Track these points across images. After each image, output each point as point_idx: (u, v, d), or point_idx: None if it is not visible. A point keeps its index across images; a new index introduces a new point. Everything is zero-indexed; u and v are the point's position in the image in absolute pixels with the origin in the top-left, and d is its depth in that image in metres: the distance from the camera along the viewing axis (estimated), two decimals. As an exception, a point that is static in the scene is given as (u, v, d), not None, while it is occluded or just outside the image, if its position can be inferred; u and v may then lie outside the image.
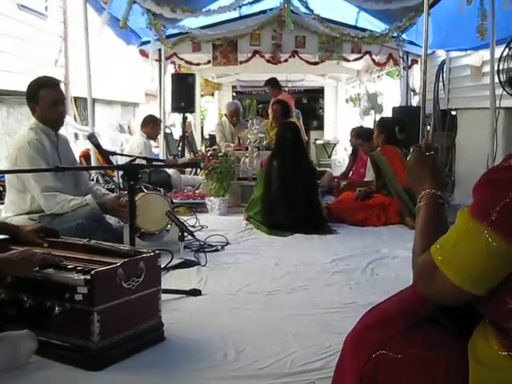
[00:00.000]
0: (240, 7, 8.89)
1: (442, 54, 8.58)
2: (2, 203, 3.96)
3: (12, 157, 4.14)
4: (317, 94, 16.56)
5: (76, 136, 10.22)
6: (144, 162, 4.47)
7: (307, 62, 10.14)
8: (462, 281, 1.46)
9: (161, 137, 9.38)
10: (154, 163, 5.27)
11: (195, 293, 3.45)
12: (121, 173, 6.42)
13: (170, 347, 2.63)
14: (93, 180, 5.69)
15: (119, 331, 2.46)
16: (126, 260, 2.50)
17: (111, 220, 4.42)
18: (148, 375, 2.35)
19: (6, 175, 4.27)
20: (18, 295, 2.53)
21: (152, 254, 2.64)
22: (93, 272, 2.33)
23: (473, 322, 1.74)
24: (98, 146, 4.46)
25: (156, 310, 2.67)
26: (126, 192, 4.70)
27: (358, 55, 9.96)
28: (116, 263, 2.47)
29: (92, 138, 4.52)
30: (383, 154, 6.17)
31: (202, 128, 14.91)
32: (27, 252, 2.54)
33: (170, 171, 7.33)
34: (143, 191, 4.39)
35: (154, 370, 2.40)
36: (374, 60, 10.06)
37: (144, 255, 2.60)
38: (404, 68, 9.77)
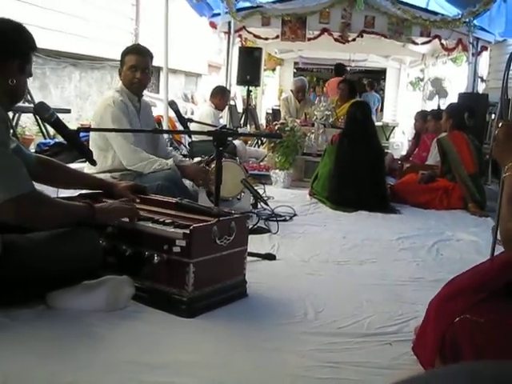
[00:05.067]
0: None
1: (513, 43, 8.54)
2: (85, 161, 4.18)
3: (97, 116, 4.35)
4: (378, 75, 16.51)
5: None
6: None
7: (377, 34, 10.02)
8: None
9: (226, 108, 9.56)
10: (239, 132, 5.48)
11: (270, 257, 3.65)
12: (195, 139, 6.64)
13: (252, 303, 2.83)
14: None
15: (209, 284, 2.66)
16: (220, 219, 2.69)
17: (186, 183, 4.64)
18: (235, 325, 2.55)
19: (91, 134, 4.49)
20: (117, 244, 2.76)
21: (242, 215, 2.83)
22: (191, 227, 2.53)
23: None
24: (177, 112, 4.65)
25: (241, 268, 2.87)
26: (199, 158, 4.93)
27: (427, 39, 9.92)
28: (210, 221, 2.67)
29: (173, 104, 4.70)
30: (451, 139, 6.21)
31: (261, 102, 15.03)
32: (115, 204, 2.78)
33: (237, 142, 7.52)
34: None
35: (240, 321, 2.60)
36: (442, 44, 10.01)
37: (235, 216, 2.80)
38: (473, 54, 9.70)
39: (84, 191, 3.25)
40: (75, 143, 2.87)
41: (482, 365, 0.70)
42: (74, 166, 4.58)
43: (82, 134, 3.10)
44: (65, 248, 2.53)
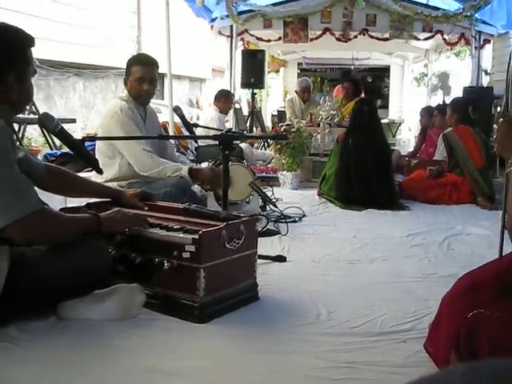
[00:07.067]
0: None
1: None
2: (91, 170, 4.18)
3: (104, 124, 4.35)
4: (382, 72, 16.44)
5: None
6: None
7: (377, 38, 10.08)
8: None
9: (231, 112, 9.56)
10: (245, 134, 5.51)
11: (281, 259, 3.63)
12: (202, 143, 6.62)
13: (264, 306, 2.81)
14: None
15: (221, 288, 2.65)
16: (229, 222, 2.68)
17: (194, 188, 4.63)
18: (248, 329, 2.54)
19: (97, 143, 4.49)
20: (127, 252, 2.75)
21: (251, 218, 2.83)
22: (200, 232, 2.52)
23: None
24: (183, 117, 4.64)
25: (252, 271, 2.86)
26: (206, 163, 4.92)
27: (429, 34, 9.90)
28: (218, 225, 2.66)
29: (178, 110, 4.70)
30: (456, 133, 6.20)
31: (266, 104, 15.00)
32: (121, 212, 2.77)
33: (243, 145, 7.52)
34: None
35: (252, 324, 2.58)
36: (445, 39, 9.99)
37: (244, 219, 2.79)
38: (476, 48, 9.67)
39: (92, 200, 3.25)
40: (81, 153, 2.87)
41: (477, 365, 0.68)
42: (80, 175, 4.59)
43: (87, 144, 3.11)
44: (74, 258, 2.52)
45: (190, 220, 2.90)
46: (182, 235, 2.61)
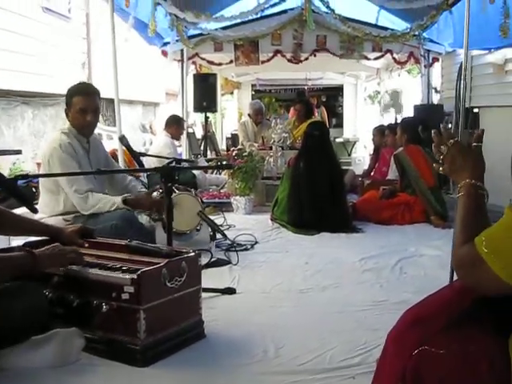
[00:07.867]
0: (262, 11, 9.02)
1: (462, 53, 8.59)
2: (36, 203, 4.04)
3: (44, 159, 4.21)
4: (336, 91, 16.59)
5: (99, 136, 10.33)
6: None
7: (333, 53, 10.03)
8: (508, 276, 1.50)
9: (184, 136, 9.48)
10: (189, 165, 5.43)
11: (230, 291, 3.54)
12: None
13: (211, 344, 2.72)
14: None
15: (163, 329, 2.55)
16: (169, 260, 2.59)
17: (143, 220, 4.51)
18: (193, 370, 2.45)
19: (40, 178, 4.36)
20: (65, 294, 2.63)
21: (193, 253, 2.73)
22: (139, 272, 2.42)
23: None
24: (128, 147, 4.53)
25: (197, 308, 2.77)
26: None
27: (379, 54, 9.96)
28: (159, 263, 2.56)
29: (123, 139, 4.60)
30: (407, 153, 6.23)
31: (221, 127, 14.96)
32: (57, 248, 2.65)
33: (196, 171, 7.43)
34: (174, 191, 4.46)
35: (198, 365, 2.49)
36: (394, 58, 10.08)
37: (186, 255, 2.70)
38: (425, 66, 9.79)
39: (30, 239, 3.12)
40: (13, 192, 2.74)
41: None
42: (23, 210, 4.45)
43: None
44: (6, 303, 2.39)
45: (131, 258, 2.80)
46: (120, 275, 2.51)
